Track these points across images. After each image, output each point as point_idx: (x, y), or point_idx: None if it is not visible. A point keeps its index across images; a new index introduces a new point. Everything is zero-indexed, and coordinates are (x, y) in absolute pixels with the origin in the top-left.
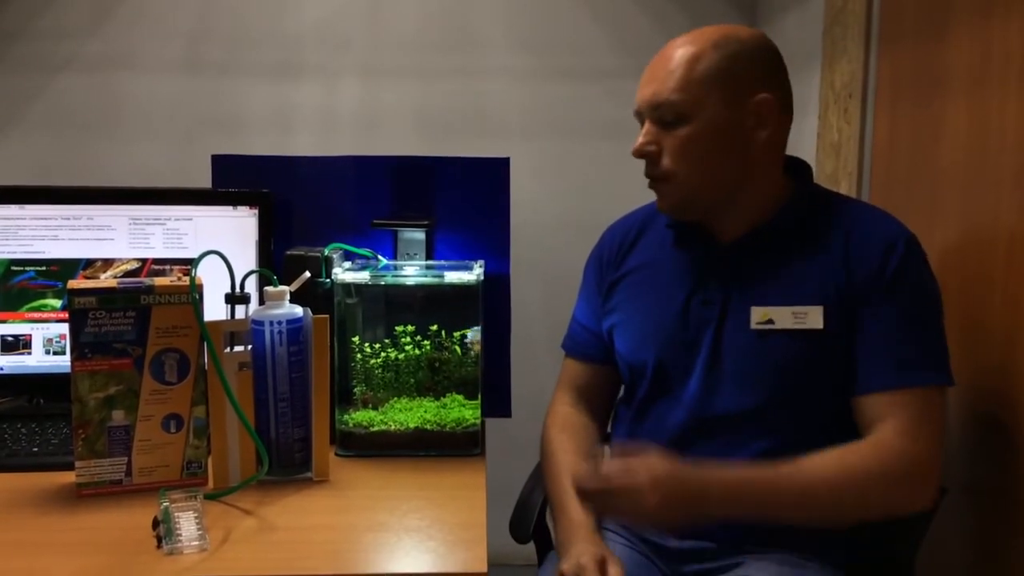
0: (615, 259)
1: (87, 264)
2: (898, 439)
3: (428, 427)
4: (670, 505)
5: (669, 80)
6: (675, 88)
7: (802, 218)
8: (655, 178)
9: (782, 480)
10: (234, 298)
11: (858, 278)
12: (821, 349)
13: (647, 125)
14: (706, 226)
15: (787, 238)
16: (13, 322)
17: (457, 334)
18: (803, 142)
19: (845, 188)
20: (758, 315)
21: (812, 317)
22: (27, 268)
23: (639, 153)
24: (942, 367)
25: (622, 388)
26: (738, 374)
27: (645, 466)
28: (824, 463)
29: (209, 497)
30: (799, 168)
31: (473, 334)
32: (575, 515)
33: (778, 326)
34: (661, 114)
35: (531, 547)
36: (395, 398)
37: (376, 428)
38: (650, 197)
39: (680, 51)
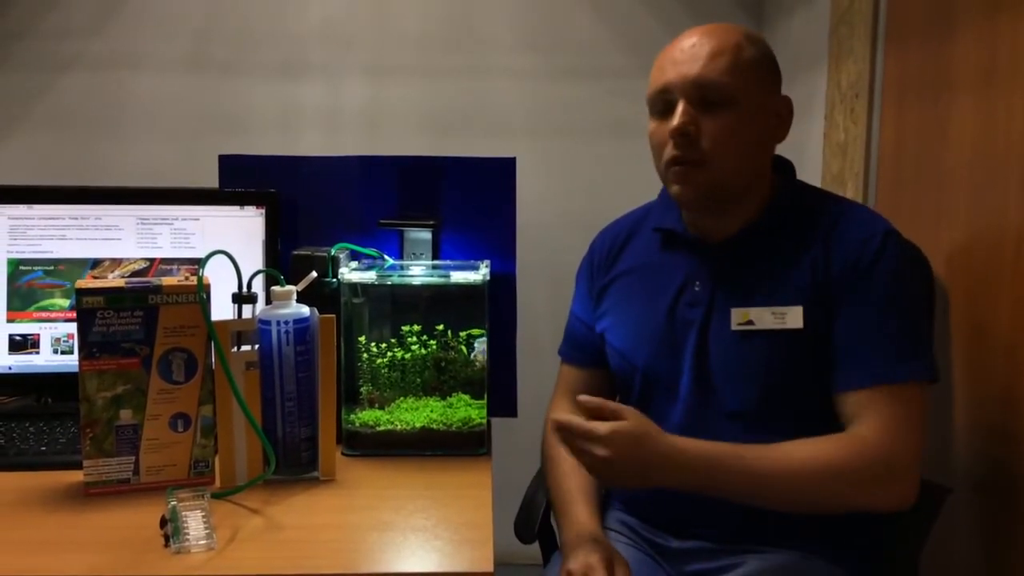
0: (604, 264)
1: (95, 264)
2: (875, 436)
3: (434, 427)
4: (620, 462)
5: (717, 62)
6: (725, 70)
7: (787, 217)
8: (690, 161)
9: (746, 463)
10: (241, 298)
11: (835, 274)
12: (803, 348)
13: (684, 105)
14: (695, 227)
15: (772, 238)
16: (21, 321)
17: (463, 334)
18: (809, 142)
19: (851, 188)
20: (738, 316)
21: (792, 317)
22: (35, 268)
23: (679, 132)
24: (922, 362)
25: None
26: (724, 375)
27: (611, 420)
28: (796, 453)
29: (216, 496)
30: (783, 167)
31: (480, 344)
32: (581, 517)
33: (758, 327)
34: (705, 95)
35: (536, 547)
36: (401, 398)
37: (382, 428)
38: (656, 195)
39: (719, 37)
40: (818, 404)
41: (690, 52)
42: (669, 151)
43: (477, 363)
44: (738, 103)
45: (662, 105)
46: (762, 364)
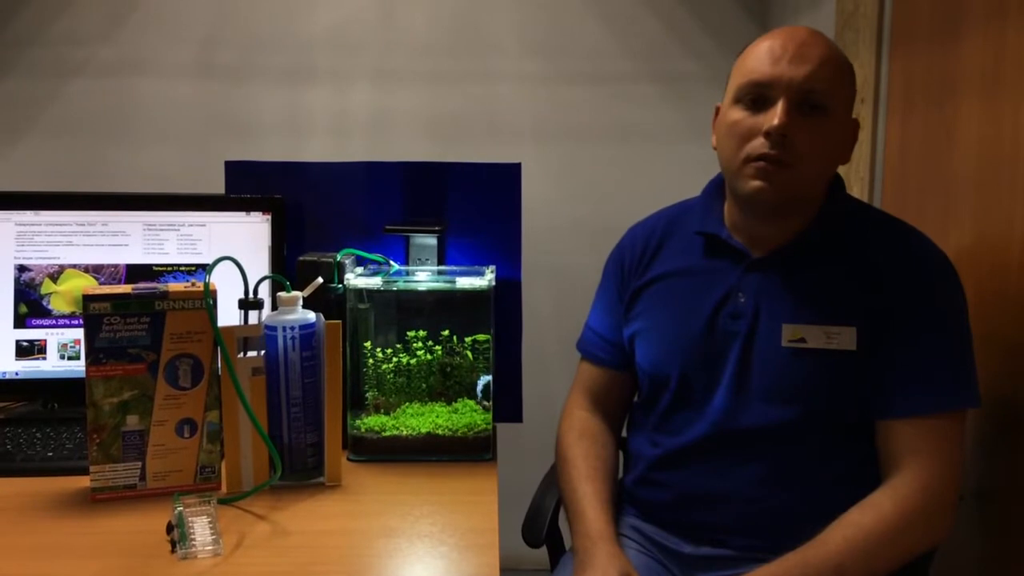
0: (638, 265)
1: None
2: (919, 480)
3: (440, 432)
4: None
5: (826, 68)
6: (832, 78)
7: (836, 233)
8: (780, 161)
9: (814, 567)
10: (247, 304)
11: (890, 300)
12: (852, 369)
13: (786, 105)
14: (741, 234)
15: (820, 253)
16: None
17: (469, 339)
18: None
19: (857, 193)
20: (790, 333)
21: (845, 338)
22: None
23: (781, 132)
24: (971, 390)
25: (638, 392)
26: (767, 390)
27: None
28: (849, 535)
29: (222, 502)
30: (832, 180)
31: (483, 384)
32: (594, 523)
33: (810, 345)
34: (808, 98)
35: (543, 551)
36: (407, 403)
37: (388, 433)
38: (663, 199)
39: (827, 44)
40: (850, 426)
41: (797, 51)
42: (759, 146)
43: (483, 359)
44: (832, 112)
45: (755, 96)
46: (810, 383)
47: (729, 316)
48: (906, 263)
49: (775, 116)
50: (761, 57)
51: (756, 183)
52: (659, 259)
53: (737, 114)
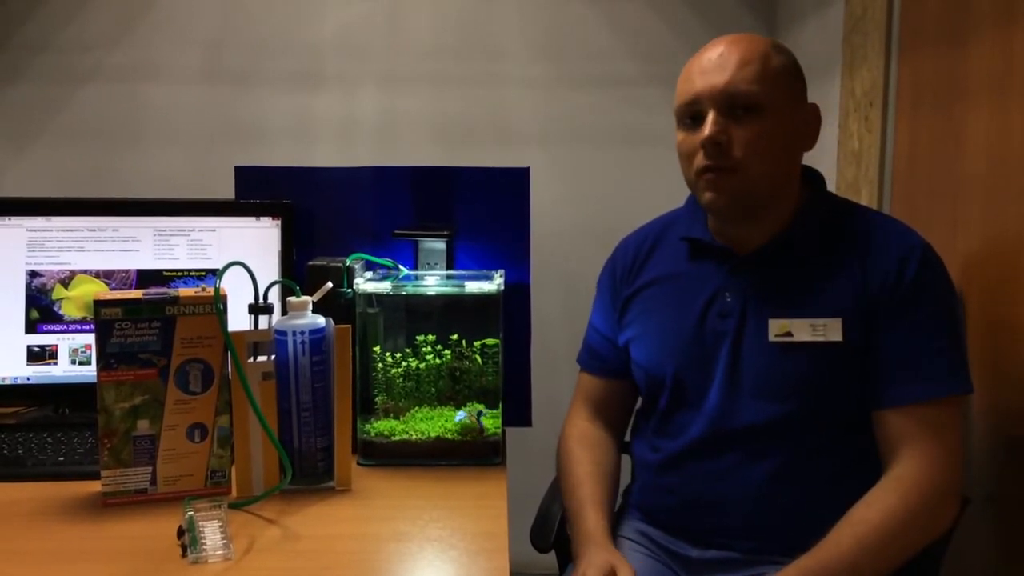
0: (628, 273)
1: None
2: (920, 469)
3: (449, 436)
4: None
5: (745, 70)
6: (753, 79)
7: (817, 229)
8: (722, 168)
9: (830, 569)
10: (257, 308)
11: (875, 290)
12: (841, 362)
13: (714, 115)
14: (723, 237)
15: (803, 249)
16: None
17: (478, 343)
18: (823, 150)
19: (866, 196)
20: (776, 328)
21: (831, 329)
22: None
23: (712, 141)
24: (962, 376)
25: (639, 399)
26: (757, 387)
27: None
28: (859, 532)
29: (233, 506)
30: (813, 178)
31: (493, 416)
32: (589, 525)
33: (797, 339)
34: (735, 103)
35: (552, 556)
36: (416, 407)
37: (397, 437)
38: (670, 203)
39: (746, 47)
40: (847, 421)
41: (718, 62)
42: (700, 160)
43: (492, 364)
44: (767, 110)
45: (691, 115)
46: (800, 376)
47: (717, 316)
48: (889, 254)
49: (705, 128)
50: (688, 78)
51: (708, 194)
52: (648, 267)
53: (680, 136)
